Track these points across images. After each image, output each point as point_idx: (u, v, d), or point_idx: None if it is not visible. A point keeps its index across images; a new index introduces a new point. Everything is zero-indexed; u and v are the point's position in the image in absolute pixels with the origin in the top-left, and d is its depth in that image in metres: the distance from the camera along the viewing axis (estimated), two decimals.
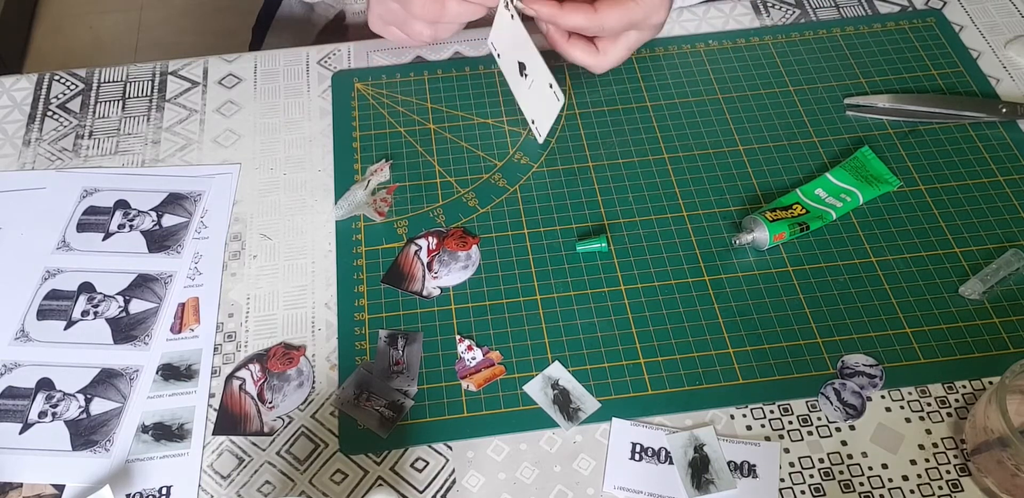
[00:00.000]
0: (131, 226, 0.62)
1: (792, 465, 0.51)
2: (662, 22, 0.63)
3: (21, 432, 0.53)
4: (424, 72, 0.71)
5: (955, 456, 0.51)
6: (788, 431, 0.52)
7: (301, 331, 0.57)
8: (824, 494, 0.50)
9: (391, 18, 0.63)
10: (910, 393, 0.53)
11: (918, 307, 0.56)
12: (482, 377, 0.54)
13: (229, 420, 0.53)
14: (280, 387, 0.54)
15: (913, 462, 0.51)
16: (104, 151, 0.67)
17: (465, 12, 0.60)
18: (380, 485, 0.51)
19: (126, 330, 0.57)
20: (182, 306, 0.58)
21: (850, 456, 0.51)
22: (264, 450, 0.52)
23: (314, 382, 0.55)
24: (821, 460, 0.51)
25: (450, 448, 0.52)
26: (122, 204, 0.63)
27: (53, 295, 0.59)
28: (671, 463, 0.51)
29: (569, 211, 0.62)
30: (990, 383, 0.53)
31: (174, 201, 0.63)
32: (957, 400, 0.53)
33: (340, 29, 0.86)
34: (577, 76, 0.70)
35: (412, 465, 0.51)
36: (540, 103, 0.63)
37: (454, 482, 0.51)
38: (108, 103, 0.70)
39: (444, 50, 0.72)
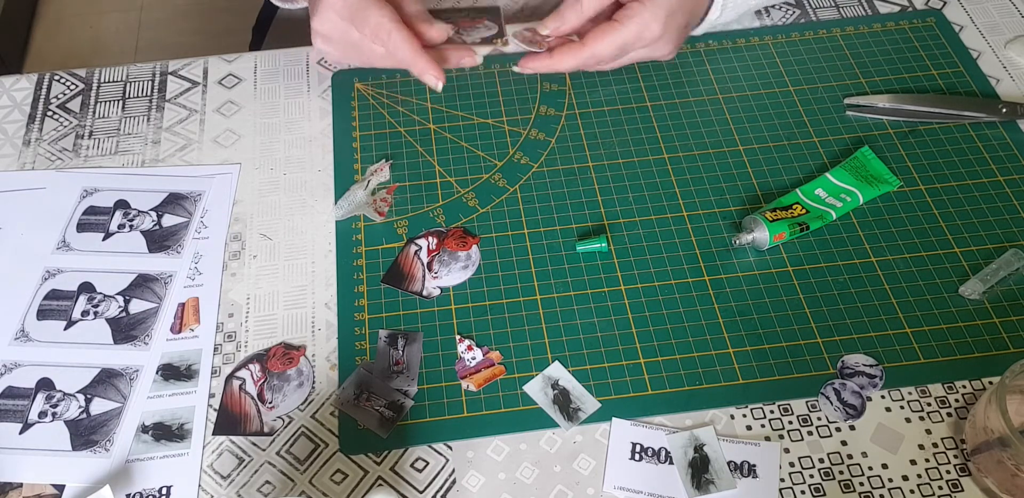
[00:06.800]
0: (131, 226, 0.62)
1: (792, 465, 0.51)
2: (658, 36, 0.61)
3: (21, 432, 0.53)
4: None
5: (955, 456, 0.51)
6: (788, 431, 0.52)
7: (301, 331, 0.57)
8: (824, 494, 0.50)
9: (338, 37, 0.61)
10: (910, 393, 0.53)
11: (918, 307, 0.56)
12: (482, 377, 0.54)
13: (229, 420, 0.53)
14: (280, 387, 0.54)
15: (913, 462, 0.51)
16: (104, 151, 0.67)
17: (403, 42, 0.58)
18: (380, 485, 0.51)
19: (126, 330, 0.57)
20: (182, 306, 0.58)
21: (850, 456, 0.51)
22: (264, 450, 0.52)
23: (314, 382, 0.55)
24: (821, 460, 0.51)
25: (450, 448, 0.52)
26: (122, 204, 0.63)
27: (53, 295, 0.59)
28: (671, 463, 0.51)
29: (569, 211, 0.62)
30: (990, 383, 0.53)
31: (174, 201, 0.63)
32: (957, 400, 0.53)
33: None
34: (577, 76, 0.70)
35: (412, 465, 0.51)
36: None
37: (454, 482, 0.51)
38: (108, 103, 0.70)
39: None
